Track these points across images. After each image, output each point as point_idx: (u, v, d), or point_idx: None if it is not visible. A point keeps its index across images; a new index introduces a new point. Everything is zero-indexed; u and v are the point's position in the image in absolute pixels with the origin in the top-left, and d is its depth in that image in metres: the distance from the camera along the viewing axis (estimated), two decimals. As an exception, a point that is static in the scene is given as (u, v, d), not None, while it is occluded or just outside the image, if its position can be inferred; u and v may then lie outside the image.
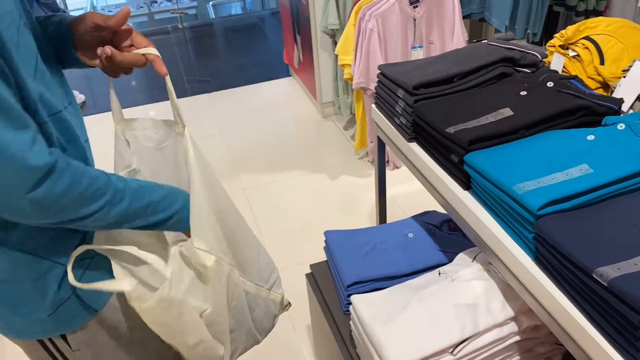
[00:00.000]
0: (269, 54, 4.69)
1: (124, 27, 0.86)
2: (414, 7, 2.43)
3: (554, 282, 0.89)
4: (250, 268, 1.11)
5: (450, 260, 1.38)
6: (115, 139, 1.00)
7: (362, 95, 2.63)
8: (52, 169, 0.70)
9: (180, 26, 5.35)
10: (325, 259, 1.56)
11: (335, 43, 2.84)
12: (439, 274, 1.20)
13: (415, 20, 2.46)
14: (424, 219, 1.53)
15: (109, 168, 0.89)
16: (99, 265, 0.88)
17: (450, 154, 1.15)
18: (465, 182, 1.13)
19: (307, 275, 1.57)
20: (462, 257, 1.23)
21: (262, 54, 4.74)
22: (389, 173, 2.76)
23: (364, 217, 2.50)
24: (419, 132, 1.29)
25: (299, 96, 3.72)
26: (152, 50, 0.87)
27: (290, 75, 4.00)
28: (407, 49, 2.52)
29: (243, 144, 3.21)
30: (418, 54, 2.53)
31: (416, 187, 2.60)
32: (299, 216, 2.56)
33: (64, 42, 0.88)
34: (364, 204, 2.58)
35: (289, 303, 1.26)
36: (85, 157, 0.86)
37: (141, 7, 9.00)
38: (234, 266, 1.04)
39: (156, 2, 8.94)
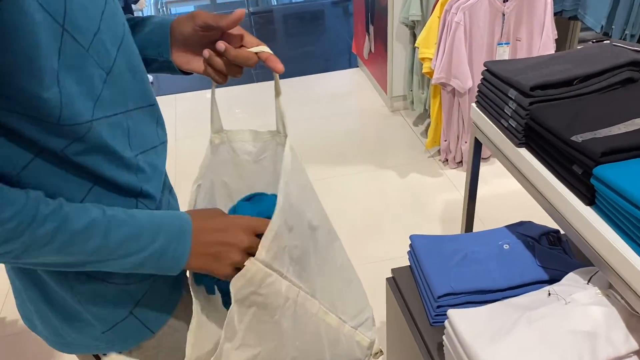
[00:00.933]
0: (334, 43, 4.61)
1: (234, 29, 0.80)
2: (504, 2, 2.30)
3: None
4: (336, 299, 0.98)
5: (551, 278, 1.28)
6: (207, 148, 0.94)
7: (440, 91, 2.52)
8: None
9: (247, 11, 5.33)
10: (407, 263, 1.48)
11: (413, 35, 2.74)
12: (549, 294, 1.10)
13: (504, 15, 2.32)
14: (520, 230, 1.43)
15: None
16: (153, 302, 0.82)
17: (572, 165, 1.05)
18: (589, 197, 1.02)
19: (388, 279, 1.49)
20: (573, 278, 1.13)
21: (327, 42, 4.66)
22: (462, 174, 2.64)
23: (434, 219, 2.40)
24: (531, 137, 1.19)
25: (366, 88, 3.63)
26: (265, 49, 0.81)
27: (358, 66, 3.91)
28: (493, 45, 2.39)
29: (308, 134, 3.15)
30: (504, 51, 2.40)
31: (492, 191, 2.47)
32: (364, 214, 2.48)
33: (160, 44, 0.82)
34: (435, 206, 2.47)
35: (381, 351, 1.13)
36: (131, 166, 0.74)
37: (204, -10, 9.06)
38: (314, 294, 0.91)
39: (219, -14, 8.99)
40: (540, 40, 2.40)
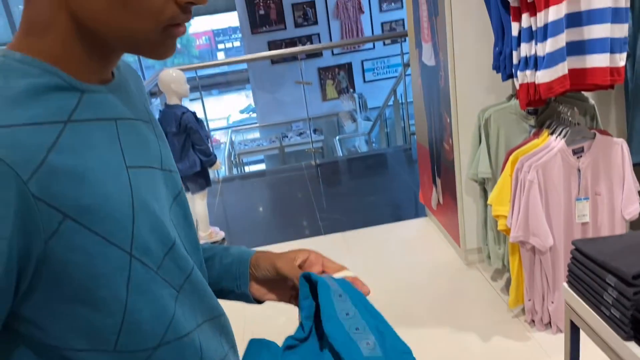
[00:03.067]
0: (401, 192, 4.65)
1: (313, 255, 0.81)
2: (578, 157, 2.25)
3: None
4: None
5: None
6: None
7: (519, 248, 2.40)
8: None
9: (313, 163, 5.55)
10: None
11: (484, 190, 2.70)
12: None
13: (579, 170, 2.26)
14: None
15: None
16: None
17: (700, 372, 0.90)
18: None
19: None
20: None
21: (394, 191, 4.71)
22: (552, 338, 2.42)
23: (526, 391, 2.15)
24: (641, 330, 1.06)
25: (437, 240, 3.54)
26: (348, 273, 0.80)
27: (426, 216, 3.87)
28: (571, 200, 2.29)
29: (378, 289, 3.02)
30: (583, 207, 2.29)
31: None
32: (447, 383, 2.27)
33: (238, 278, 0.82)
34: (525, 375, 2.24)
35: None
36: None
37: (273, 141, 9.68)
38: None
39: (287, 137, 9.58)
40: (622, 193, 2.29)
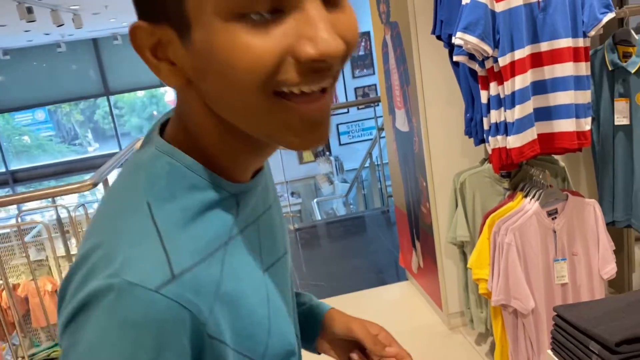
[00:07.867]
0: (381, 256, 4.63)
1: (384, 333, 0.83)
2: (553, 219, 2.29)
3: None
4: None
5: None
6: None
7: (501, 311, 2.39)
8: None
9: (292, 227, 5.53)
10: None
11: (463, 253, 2.71)
12: None
13: (555, 232, 2.29)
14: None
15: None
16: None
17: None
18: None
19: None
20: None
21: (374, 255, 4.69)
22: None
23: None
24: (629, 399, 1.04)
25: (419, 304, 3.51)
26: None
27: (407, 279, 3.85)
28: (549, 262, 2.31)
29: (363, 359, 2.97)
30: (562, 267, 2.31)
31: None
32: None
33: (306, 329, 0.84)
34: None
35: None
36: None
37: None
38: None
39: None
40: (598, 253, 2.32)
